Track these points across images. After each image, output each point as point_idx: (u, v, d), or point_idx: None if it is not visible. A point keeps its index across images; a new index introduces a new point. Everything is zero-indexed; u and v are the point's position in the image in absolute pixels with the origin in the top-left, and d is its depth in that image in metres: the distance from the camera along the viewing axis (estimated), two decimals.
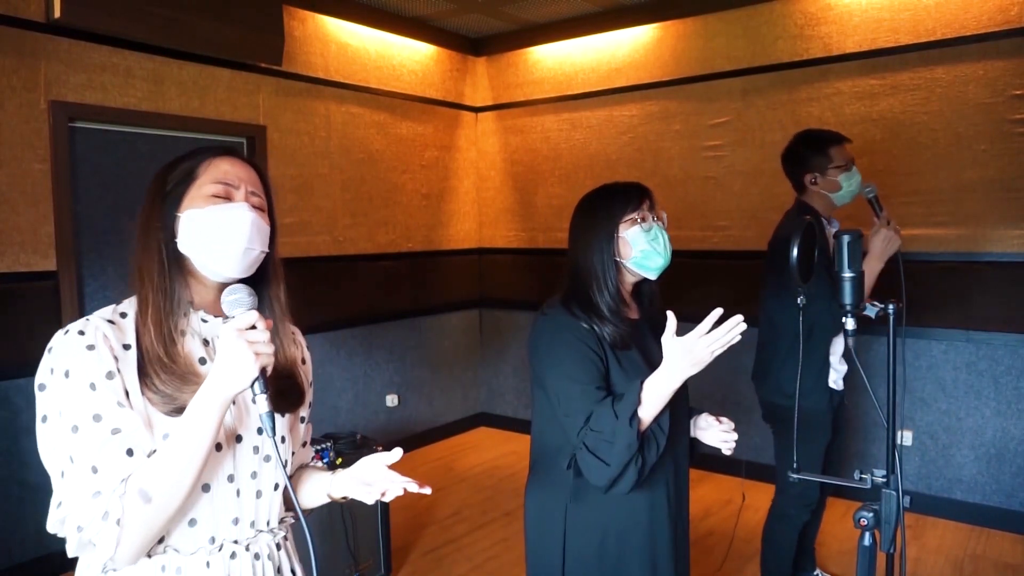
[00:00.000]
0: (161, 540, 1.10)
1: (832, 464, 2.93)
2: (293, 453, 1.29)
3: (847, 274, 1.65)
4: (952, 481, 3.88)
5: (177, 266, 1.14)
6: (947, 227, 3.82)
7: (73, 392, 1.03)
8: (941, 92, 3.79)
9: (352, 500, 1.25)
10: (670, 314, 1.49)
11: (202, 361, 1.14)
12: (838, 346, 2.75)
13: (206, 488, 1.12)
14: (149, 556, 1.09)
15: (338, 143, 4.61)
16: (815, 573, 3.15)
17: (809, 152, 2.70)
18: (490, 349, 5.77)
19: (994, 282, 3.71)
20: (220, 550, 1.14)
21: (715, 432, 1.76)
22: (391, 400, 5.05)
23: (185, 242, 1.13)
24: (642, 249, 1.65)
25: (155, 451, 1.06)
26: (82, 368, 1.04)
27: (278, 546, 1.24)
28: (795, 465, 1.80)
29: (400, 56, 4.98)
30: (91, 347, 1.05)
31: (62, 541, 1.05)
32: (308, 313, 4.38)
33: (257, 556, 1.18)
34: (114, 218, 3.55)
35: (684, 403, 1.74)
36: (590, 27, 4.96)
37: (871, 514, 1.60)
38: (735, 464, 4.21)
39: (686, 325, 1.47)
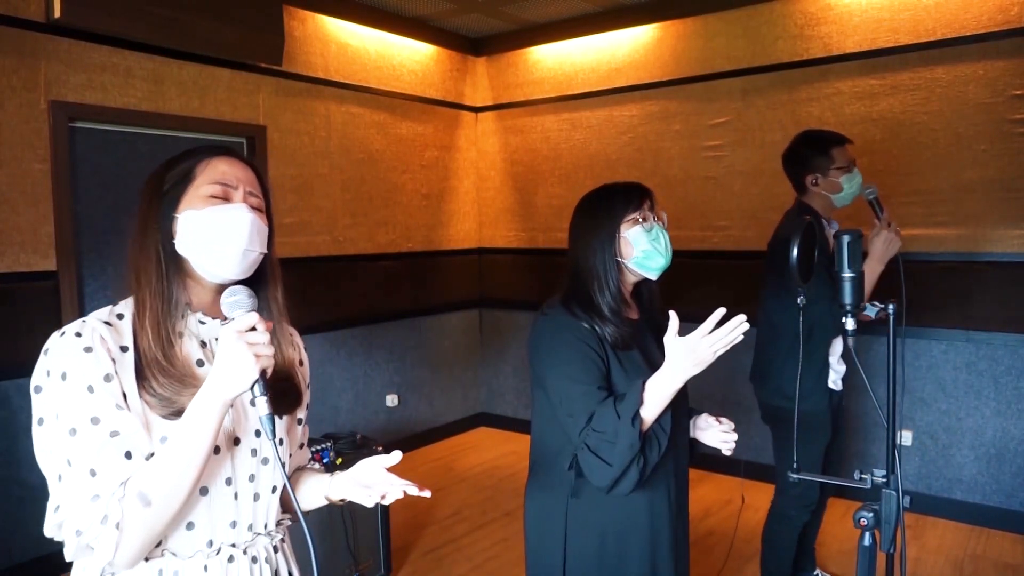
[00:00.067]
0: (159, 544, 1.09)
1: (832, 464, 2.93)
2: (291, 455, 1.28)
3: (847, 274, 1.65)
4: (952, 481, 3.88)
5: (175, 267, 1.13)
6: (947, 227, 3.82)
7: (70, 395, 1.02)
8: (941, 92, 3.79)
9: (351, 502, 1.25)
10: (673, 314, 1.49)
11: (200, 363, 1.14)
12: (837, 346, 2.75)
13: (204, 491, 1.11)
14: (146, 560, 1.08)
15: (338, 143, 4.61)
16: (815, 573, 3.15)
17: (811, 153, 2.70)
18: (490, 349, 5.77)
19: (994, 282, 3.71)
20: (218, 554, 1.13)
21: (715, 432, 1.75)
22: (391, 400, 5.05)
23: (183, 243, 1.12)
24: (644, 249, 1.65)
25: (153, 454, 1.05)
26: (79, 370, 1.03)
27: (275, 549, 1.23)
28: (795, 465, 1.80)
29: (400, 56, 4.98)
30: (88, 349, 1.04)
31: (61, 542, 1.04)
32: (308, 313, 4.38)
33: (255, 559, 1.18)
34: (114, 218, 3.55)
35: (684, 403, 1.74)
36: (590, 27, 4.96)
37: (871, 514, 1.60)
38: (735, 464, 4.21)
39: (686, 325, 1.47)
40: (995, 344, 3.72)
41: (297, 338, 1.34)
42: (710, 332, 1.44)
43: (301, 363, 1.33)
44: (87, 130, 3.47)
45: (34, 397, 1.05)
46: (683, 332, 1.48)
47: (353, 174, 4.72)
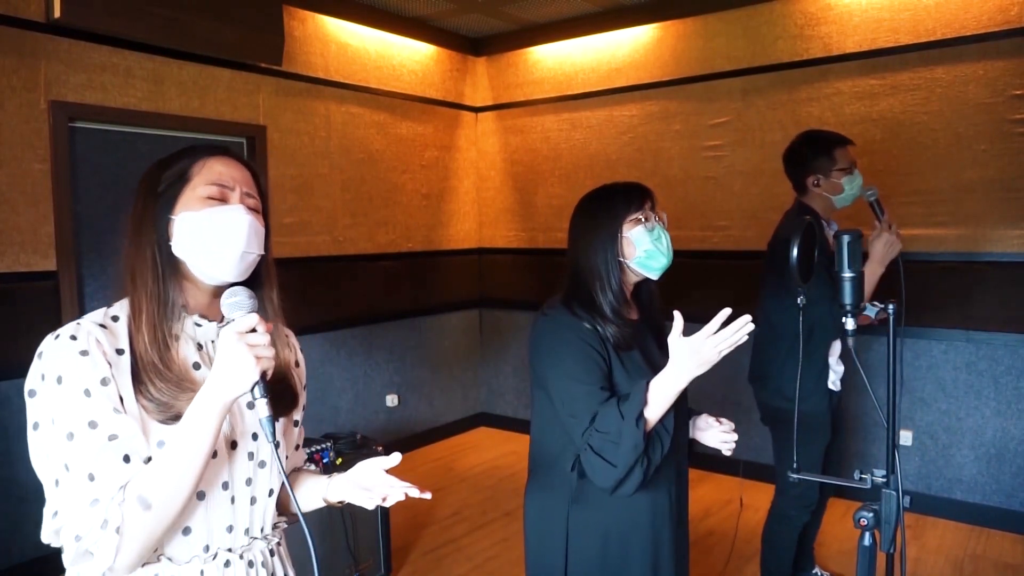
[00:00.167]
0: (155, 550, 1.07)
1: (832, 464, 2.92)
2: (287, 457, 1.28)
3: (847, 274, 1.65)
4: (952, 481, 3.88)
5: (171, 269, 1.11)
6: (947, 227, 3.82)
7: (66, 399, 1.00)
8: (941, 92, 3.79)
9: (349, 503, 1.24)
10: (677, 314, 1.48)
11: (196, 366, 1.12)
12: (836, 347, 2.75)
13: (201, 496, 1.10)
14: (143, 566, 1.07)
15: (338, 143, 4.61)
16: (814, 572, 3.15)
17: (813, 153, 2.69)
18: (490, 349, 5.77)
19: (994, 282, 3.71)
20: (214, 558, 1.12)
21: (715, 433, 1.75)
22: (391, 400, 5.05)
23: (180, 246, 1.10)
24: (646, 249, 1.65)
25: (151, 458, 1.03)
26: (75, 374, 1.01)
27: (272, 552, 1.22)
28: (795, 465, 1.80)
29: (400, 56, 4.98)
30: (84, 352, 1.02)
31: (59, 548, 1.03)
32: (308, 313, 4.38)
33: (251, 564, 1.17)
34: (114, 218, 3.54)
35: (684, 403, 1.74)
36: (590, 27, 4.96)
37: (871, 514, 1.60)
38: (734, 464, 4.21)
39: (686, 325, 1.47)
40: (995, 344, 3.71)
41: (293, 339, 1.33)
42: (715, 332, 1.43)
43: (297, 364, 1.32)
44: (87, 130, 3.47)
45: (28, 401, 1.04)
46: (685, 332, 1.48)
47: (353, 174, 4.72)
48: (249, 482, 1.16)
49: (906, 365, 3.93)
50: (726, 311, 1.44)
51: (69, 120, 3.37)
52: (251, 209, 1.15)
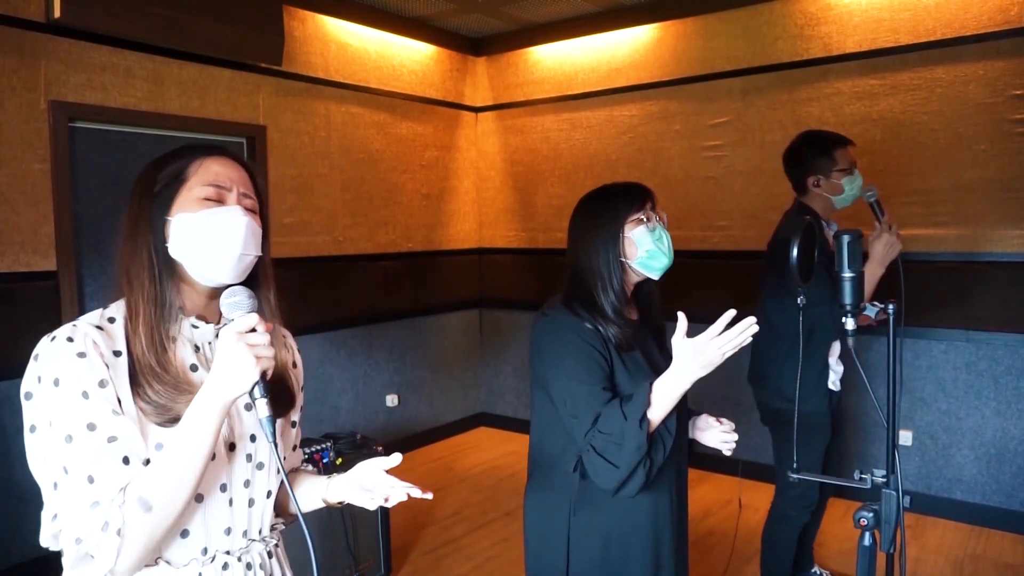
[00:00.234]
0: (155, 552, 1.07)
1: (832, 464, 2.92)
2: (284, 457, 1.27)
3: (847, 274, 1.65)
4: (952, 481, 3.88)
5: (167, 271, 1.10)
6: (947, 227, 3.82)
7: (64, 401, 0.99)
8: (941, 92, 3.79)
9: (349, 504, 1.23)
10: (681, 315, 1.48)
11: (193, 368, 1.11)
12: (836, 347, 2.75)
13: (199, 498, 1.09)
14: (142, 568, 1.06)
15: (338, 143, 4.61)
16: (814, 571, 3.15)
17: (813, 154, 2.69)
18: (490, 349, 5.77)
19: (994, 282, 3.71)
20: (212, 561, 1.11)
21: (715, 433, 1.75)
22: (391, 400, 5.05)
23: (176, 247, 1.09)
24: (647, 249, 1.65)
25: (149, 460, 1.02)
26: (73, 376, 1.00)
27: (270, 554, 1.21)
28: (795, 465, 1.80)
29: (400, 56, 4.98)
30: (82, 354, 1.01)
31: (59, 551, 1.02)
32: (308, 313, 4.38)
33: (249, 566, 1.16)
34: (114, 218, 3.51)
35: (685, 404, 1.74)
36: (590, 27, 4.96)
37: (871, 514, 1.60)
38: (734, 464, 4.21)
39: (686, 325, 1.47)
40: (995, 344, 3.71)
41: (290, 340, 1.32)
42: (719, 334, 1.43)
43: (295, 365, 1.31)
44: (87, 130, 3.47)
45: (25, 404, 1.02)
46: (687, 333, 1.48)
47: (353, 174, 4.72)
48: (247, 484, 1.16)
49: (906, 365, 3.93)
50: (731, 313, 1.43)
51: (69, 120, 3.37)
52: (248, 210, 1.13)
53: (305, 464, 1.43)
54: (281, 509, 1.29)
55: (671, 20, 4.63)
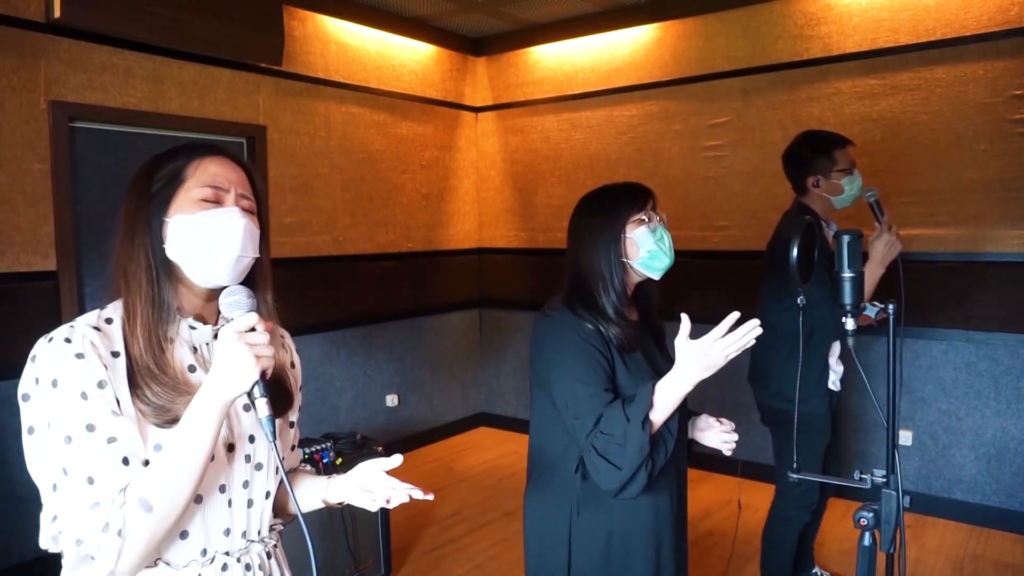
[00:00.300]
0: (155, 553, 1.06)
1: (832, 464, 2.92)
2: (283, 458, 1.27)
3: (847, 274, 1.65)
4: (952, 481, 3.88)
5: (165, 272, 1.09)
6: (947, 227, 3.82)
7: (62, 402, 0.99)
8: (941, 92, 3.79)
9: (349, 505, 1.23)
10: (684, 317, 1.47)
11: (191, 369, 1.11)
12: (836, 347, 2.75)
13: (198, 499, 1.09)
14: (141, 570, 1.05)
15: (338, 143, 4.61)
16: (814, 571, 3.15)
17: (812, 154, 2.68)
18: (490, 349, 5.77)
19: (994, 282, 3.71)
20: (212, 562, 1.11)
21: (715, 433, 1.75)
22: (391, 400, 5.05)
23: (173, 249, 1.08)
24: (649, 250, 1.64)
25: (148, 461, 1.02)
26: (71, 377, 0.99)
27: (268, 555, 1.21)
28: (795, 465, 1.80)
29: (400, 56, 4.98)
30: (80, 356, 1.01)
31: (58, 553, 1.01)
32: (308, 313, 4.38)
33: (248, 567, 1.16)
34: (114, 218, 3.50)
35: (685, 404, 1.74)
36: (590, 27, 4.96)
37: (871, 514, 1.60)
38: (734, 464, 4.21)
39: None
40: (995, 344, 3.71)
41: (288, 340, 1.32)
42: (723, 336, 1.43)
43: (293, 365, 1.31)
44: (87, 130, 3.47)
45: (23, 406, 1.02)
46: (676, 333, 1.48)
47: (353, 174, 4.72)
48: (246, 485, 1.16)
49: (906, 365, 3.93)
50: (735, 315, 1.43)
51: (69, 120, 3.37)
52: (246, 211, 1.13)
53: (304, 464, 1.43)
54: (280, 509, 1.28)
55: (671, 20, 4.63)
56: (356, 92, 4.69)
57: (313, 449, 2.91)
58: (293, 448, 1.35)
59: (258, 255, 1.14)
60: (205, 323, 1.15)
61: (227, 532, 1.13)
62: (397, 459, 1.18)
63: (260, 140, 4.15)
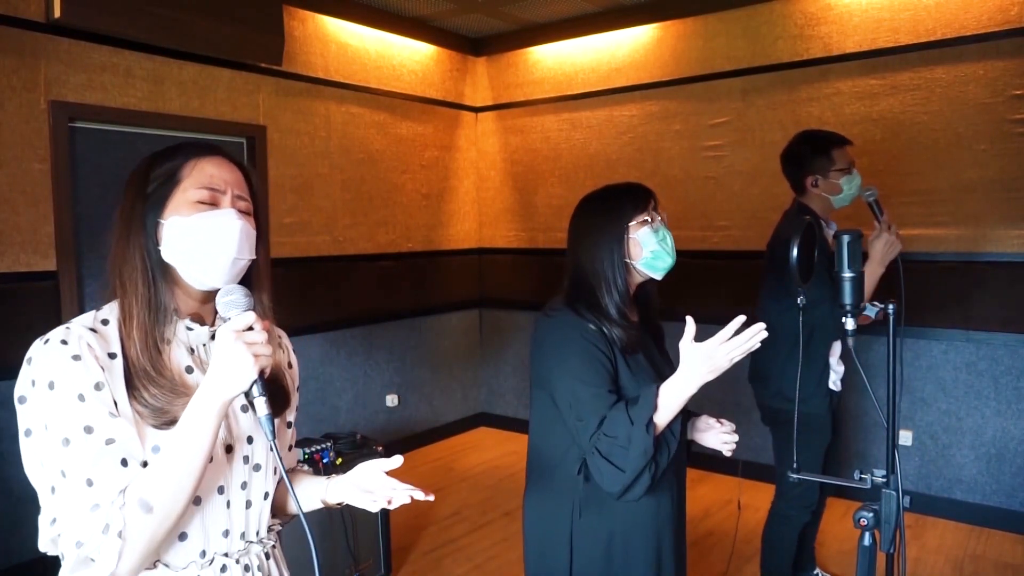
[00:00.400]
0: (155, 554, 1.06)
1: (832, 464, 2.92)
2: (281, 458, 1.27)
3: (847, 274, 1.65)
4: (952, 481, 3.88)
5: (161, 273, 1.09)
6: (947, 227, 3.82)
7: (59, 404, 0.98)
8: (941, 92, 3.79)
9: (349, 505, 1.23)
10: (689, 319, 1.47)
11: (188, 370, 1.10)
12: (836, 347, 2.75)
13: (197, 501, 1.08)
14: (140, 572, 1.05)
15: (338, 143, 4.61)
16: (815, 572, 3.15)
17: (811, 153, 2.68)
18: (490, 349, 5.77)
19: (994, 282, 3.71)
20: (211, 564, 1.11)
21: (715, 434, 1.75)
22: (391, 400, 5.05)
23: (169, 251, 1.08)
24: (652, 250, 1.64)
25: (147, 462, 1.02)
26: (68, 379, 0.99)
27: (267, 556, 1.21)
28: (795, 465, 1.79)
29: (400, 56, 4.98)
30: (77, 357, 1.00)
31: (58, 556, 1.01)
32: (308, 313, 4.38)
33: (247, 568, 1.16)
34: (113, 218, 3.54)
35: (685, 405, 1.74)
36: (590, 27, 4.96)
37: (871, 514, 1.60)
38: (734, 464, 4.20)
39: (682, 326, 1.47)
40: (995, 344, 3.71)
41: (286, 340, 1.31)
42: (728, 339, 1.42)
43: (290, 365, 1.30)
44: (87, 130, 3.47)
45: (19, 408, 1.01)
46: (676, 333, 1.48)
47: (353, 174, 4.71)
48: (244, 486, 1.15)
49: (906, 365, 3.93)
50: (740, 318, 1.43)
51: (69, 120, 3.37)
52: (242, 212, 1.12)
53: (302, 464, 1.43)
54: (278, 510, 1.28)
55: (671, 20, 4.63)
56: (356, 92, 4.69)
57: (313, 449, 2.91)
58: (290, 448, 1.35)
59: (255, 257, 1.13)
60: (202, 324, 1.14)
61: (226, 533, 1.13)
62: (397, 460, 1.18)
63: (260, 140, 4.15)
